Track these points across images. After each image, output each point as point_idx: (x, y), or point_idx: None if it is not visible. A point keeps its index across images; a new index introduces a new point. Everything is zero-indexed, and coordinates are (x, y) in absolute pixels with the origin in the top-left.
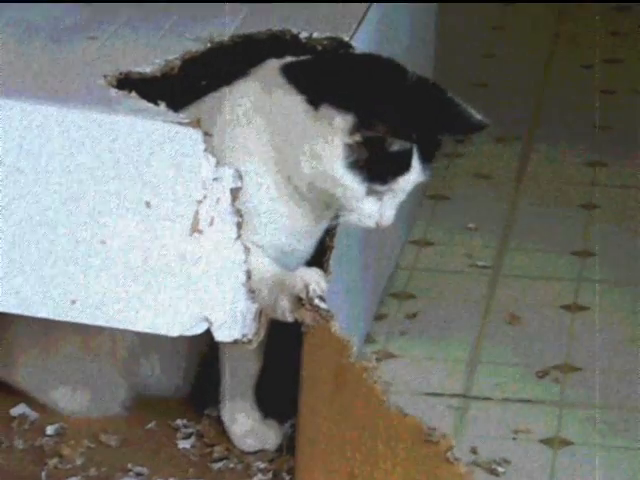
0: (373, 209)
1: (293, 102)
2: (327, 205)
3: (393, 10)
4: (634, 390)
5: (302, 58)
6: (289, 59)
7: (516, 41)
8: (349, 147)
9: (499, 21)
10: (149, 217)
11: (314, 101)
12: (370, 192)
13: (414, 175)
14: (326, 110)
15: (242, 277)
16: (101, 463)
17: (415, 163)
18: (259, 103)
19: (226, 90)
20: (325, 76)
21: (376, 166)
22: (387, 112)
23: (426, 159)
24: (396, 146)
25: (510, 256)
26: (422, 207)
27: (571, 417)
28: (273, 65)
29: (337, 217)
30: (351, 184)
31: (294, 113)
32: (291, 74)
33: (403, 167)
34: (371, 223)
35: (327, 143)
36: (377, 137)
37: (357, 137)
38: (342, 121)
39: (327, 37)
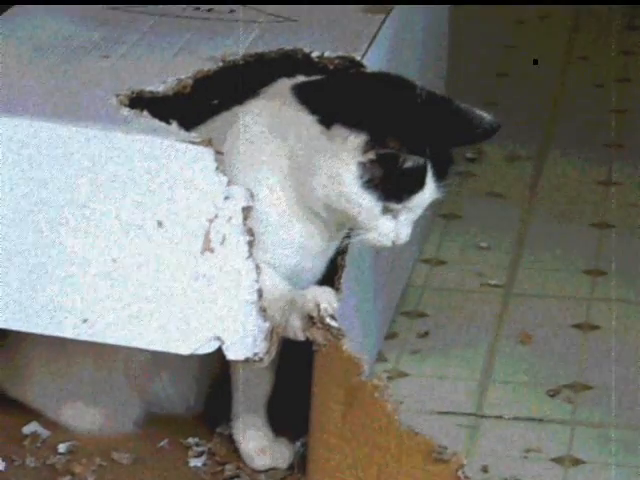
0: (389, 227)
1: (305, 122)
2: (341, 225)
3: (405, 29)
4: None
5: (312, 78)
6: (300, 79)
7: (528, 60)
8: (363, 166)
9: (511, 40)
10: (161, 236)
11: (326, 121)
12: (386, 211)
13: (429, 192)
14: (338, 130)
15: (253, 296)
16: None
17: (429, 180)
18: (271, 123)
19: (237, 110)
20: (336, 96)
21: (391, 184)
22: (399, 128)
23: (439, 176)
24: (410, 162)
25: (522, 275)
26: (434, 226)
27: (583, 436)
28: (284, 85)
29: (349, 236)
30: (366, 203)
31: (306, 133)
32: (302, 95)
33: (417, 184)
34: (387, 242)
35: (341, 163)
36: (391, 154)
37: (371, 155)
38: (355, 140)
39: (339, 56)
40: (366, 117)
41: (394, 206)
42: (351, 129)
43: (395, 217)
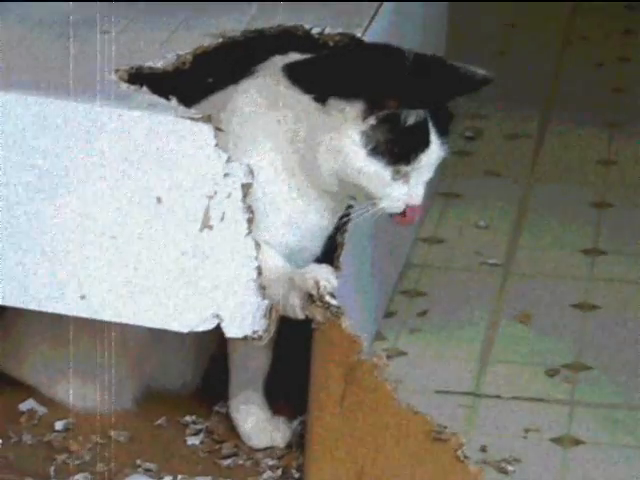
0: (401, 192)
1: (301, 101)
2: (352, 198)
3: (405, 7)
4: None
5: (302, 58)
6: (293, 57)
7: (528, 39)
8: (365, 134)
9: (511, 18)
10: (160, 212)
11: (320, 98)
12: (396, 175)
13: (434, 150)
14: (334, 104)
15: (253, 273)
16: (110, 459)
17: (433, 137)
18: (266, 103)
19: (232, 89)
20: (326, 72)
21: (396, 147)
22: (394, 88)
23: (442, 133)
24: (411, 118)
25: (521, 254)
26: (433, 204)
27: (582, 416)
28: (277, 63)
29: (348, 214)
30: (376, 171)
31: (303, 112)
32: (293, 75)
33: (422, 143)
34: (401, 205)
35: (343, 135)
36: (391, 114)
37: (371, 120)
38: (352, 110)
39: (339, 33)
40: (359, 85)
41: (404, 168)
42: (346, 100)
43: (406, 181)
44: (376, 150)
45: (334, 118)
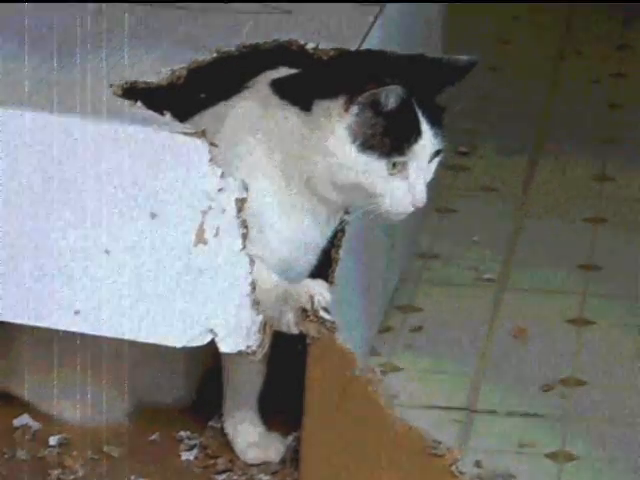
0: (402, 188)
1: (289, 113)
2: (345, 212)
3: (400, 21)
4: None
5: (289, 73)
6: (282, 72)
7: (523, 54)
8: (351, 128)
9: (506, 34)
10: (154, 227)
11: (306, 106)
12: (393, 171)
13: (428, 140)
14: (318, 106)
15: (247, 288)
16: (104, 474)
17: (425, 127)
18: (258, 119)
19: (223, 106)
20: (309, 80)
21: (385, 136)
22: (371, 72)
23: (434, 124)
24: (392, 98)
25: (516, 269)
26: (428, 220)
27: (576, 431)
28: (268, 78)
29: (343, 229)
30: (370, 164)
31: (292, 123)
32: (280, 90)
33: (413, 131)
34: (406, 204)
35: (330, 135)
36: (372, 99)
37: (354, 110)
38: (335, 106)
39: (334, 48)
40: (339, 81)
41: (398, 160)
42: (329, 98)
43: (405, 177)
44: (366, 144)
45: (320, 121)
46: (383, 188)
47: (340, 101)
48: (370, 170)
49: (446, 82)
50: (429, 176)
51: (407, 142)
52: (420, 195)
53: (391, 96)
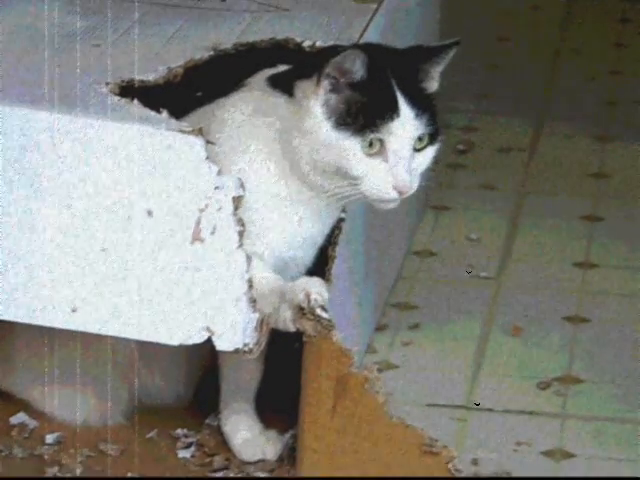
0: (381, 170)
1: (280, 102)
2: (342, 191)
3: (397, 18)
4: (637, 402)
5: (285, 69)
6: (280, 69)
7: (520, 52)
8: (326, 105)
9: (503, 32)
10: (150, 225)
11: (289, 91)
12: (369, 150)
13: (407, 121)
14: (298, 88)
15: (244, 286)
16: (101, 472)
17: (404, 107)
18: (255, 112)
19: (221, 102)
20: (296, 70)
21: (359, 111)
22: (339, 48)
23: (418, 106)
24: (357, 64)
25: (513, 267)
26: (425, 217)
27: (573, 429)
28: (264, 77)
29: (340, 227)
30: (345, 142)
31: (282, 112)
32: (274, 83)
33: (388, 108)
34: (388, 189)
35: (306, 113)
36: (336, 66)
37: (326, 85)
38: (311, 84)
39: (330, 46)
40: (316, 62)
41: (373, 136)
42: (307, 79)
43: (384, 160)
44: (340, 120)
45: (301, 103)
46: (361, 169)
47: (313, 79)
48: (346, 148)
49: (428, 61)
50: (421, 165)
51: (382, 118)
52: (401, 178)
53: (356, 61)
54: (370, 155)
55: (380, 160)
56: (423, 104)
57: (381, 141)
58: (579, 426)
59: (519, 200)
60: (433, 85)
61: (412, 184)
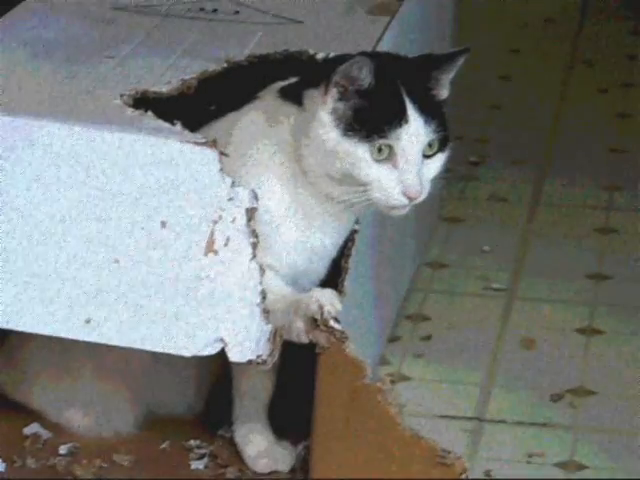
0: (391, 177)
1: (291, 113)
2: (353, 198)
3: (409, 33)
4: None
5: (295, 79)
6: (292, 81)
7: (532, 63)
8: (335, 112)
9: (516, 43)
10: (164, 237)
11: (299, 100)
12: (378, 156)
13: (416, 127)
14: (307, 97)
15: (257, 298)
16: None
17: (413, 113)
18: (267, 127)
19: (233, 116)
20: (305, 80)
21: (367, 117)
22: (348, 56)
23: (427, 113)
24: (364, 71)
25: (525, 279)
26: (437, 229)
27: (586, 441)
28: (276, 88)
29: (353, 239)
30: (354, 148)
31: (293, 122)
32: (285, 94)
33: (397, 114)
34: (396, 194)
35: (315, 122)
36: (344, 74)
37: (334, 92)
38: (319, 93)
39: (338, 55)
40: (324, 71)
41: (381, 142)
42: (315, 88)
43: (394, 166)
44: (349, 127)
45: (310, 111)
46: (370, 175)
47: (321, 88)
48: (355, 154)
49: (438, 68)
50: (431, 171)
51: (390, 124)
52: (411, 183)
53: (363, 69)
54: (379, 161)
55: (389, 166)
56: (432, 111)
57: (390, 147)
58: (591, 438)
59: (531, 212)
60: (443, 93)
61: (422, 189)
